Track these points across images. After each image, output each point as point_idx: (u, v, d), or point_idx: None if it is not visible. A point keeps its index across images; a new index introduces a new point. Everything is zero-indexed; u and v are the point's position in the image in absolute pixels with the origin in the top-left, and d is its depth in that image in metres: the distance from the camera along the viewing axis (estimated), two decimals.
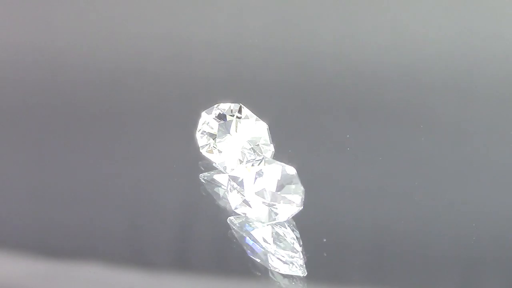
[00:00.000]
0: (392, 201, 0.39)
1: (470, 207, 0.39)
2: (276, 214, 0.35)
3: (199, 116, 0.39)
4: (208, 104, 0.39)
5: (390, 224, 0.38)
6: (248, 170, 0.35)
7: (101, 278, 0.35)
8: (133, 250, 0.37)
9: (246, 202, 0.35)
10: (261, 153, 0.38)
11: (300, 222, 0.37)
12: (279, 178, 0.35)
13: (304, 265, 0.35)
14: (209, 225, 0.38)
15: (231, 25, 0.51)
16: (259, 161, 0.35)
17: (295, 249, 0.35)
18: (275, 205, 0.35)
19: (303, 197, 0.35)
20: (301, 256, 0.35)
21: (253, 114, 0.39)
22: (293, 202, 0.35)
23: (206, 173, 0.40)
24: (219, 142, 0.38)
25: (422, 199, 0.39)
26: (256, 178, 0.35)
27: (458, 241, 0.38)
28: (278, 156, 0.38)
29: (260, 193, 0.35)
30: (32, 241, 0.37)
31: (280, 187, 0.35)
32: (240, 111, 0.38)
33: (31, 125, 0.43)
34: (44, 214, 0.38)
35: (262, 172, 0.35)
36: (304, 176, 0.35)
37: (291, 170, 0.35)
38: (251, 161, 0.36)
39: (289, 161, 0.36)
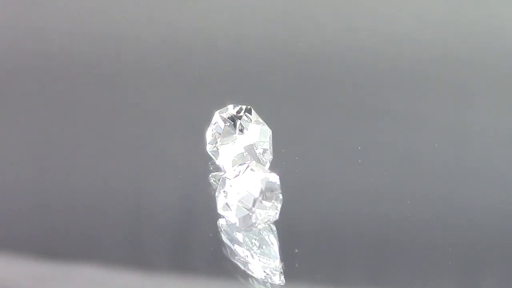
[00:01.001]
0: (384, 207, 0.39)
1: (466, 205, 0.39)
2: (255, 220, 0.35)
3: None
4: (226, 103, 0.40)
5: (381, 232, 0.38)
6: (234, 174, 0.35)
7: (104, 279, 0.36)
8: (133, 250, 0.37)
9: (227, 206, 0.35)
10: (258, 158, 0.38)
11: (286, 229, 0.37)
12: (261, 185, 0.35)
13: (282, 273, 0.35)
14: (201, 225, 0.38)
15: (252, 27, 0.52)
16: (246, 166, 0.36)
17: (275, 256, 0.36)
18: (254, 211, 0.35)
19: (280, 206, 0.35)
20: (280, 264, 0.35)
21: (260, 119, 0.39)
22: (272, 209, 0.35)
23: (216, 173, 0.40)
24: (222, 143, 0.39)
25: (420, 204, 0.39)
26: (239, 183, 0.35)
27: (455, 246, 0.37)
28: (278, 160, 0.39)
29: (241, 198, 0.35)
30: (31, 242, 0.37)
31: (261, 194, 0.35)
32: (248, 114, 0.39)
33: (31, 126, 0.44)
34: (45, 213, 0.39)
35: (245, 178, 0.35)
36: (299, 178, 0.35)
37: (274, 178, 0.35)
38: (240, 165, 0.36)
39: (287, 166, 0.36)
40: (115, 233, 0.38)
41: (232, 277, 0.35)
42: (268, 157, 0.38)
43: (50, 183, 0.40)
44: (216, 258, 0.36)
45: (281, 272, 0.35)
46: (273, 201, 0.35)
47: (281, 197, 0.35)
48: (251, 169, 0.35)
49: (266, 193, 0.35)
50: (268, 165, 0.39)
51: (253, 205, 0.35)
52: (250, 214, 0.35)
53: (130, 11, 0.53)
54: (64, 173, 0.40)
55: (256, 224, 0.35)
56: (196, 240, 0.37)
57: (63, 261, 0.36)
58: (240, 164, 0.36)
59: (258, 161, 0.38)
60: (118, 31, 0.52)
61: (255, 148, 0.38)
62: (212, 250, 0.36)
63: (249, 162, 0.36)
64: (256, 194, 0.35)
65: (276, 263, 0.35)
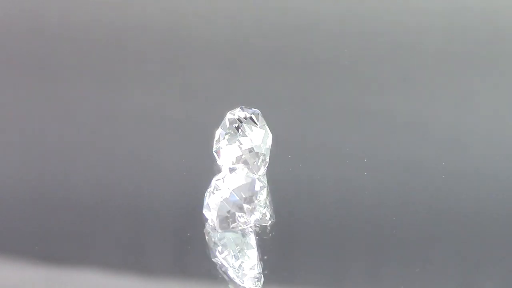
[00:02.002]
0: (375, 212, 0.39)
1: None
2: (233, 223, 0.35)
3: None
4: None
5: (371, 241, 0.37)
6: (221, 175, 0.36)
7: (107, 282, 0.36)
8: (132, 253, 0.37)
9: (207, 206, 0.35)
10: (255, 162, 0.38)
11: (283, 233, 0.37)
12: (245, 190, 0.35)
13: (259, 278, 0.35)
14: (193, 226, 0.38)
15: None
16: (233, 169, 0.36)
17: (252, 261, 0.36)
18: (233, 214, 0.35)
19: (264, 211, 0.35)
20: (257, 269, 0.35)
21: (265, 124, 0.39)
22: (253, 214, 0.35)
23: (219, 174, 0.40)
24: (224, 143, 0.39)
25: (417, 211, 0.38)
26: (222, 185, 0.35)
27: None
28: (279, 166, 0.39)
29: (221, 201, 0.35)
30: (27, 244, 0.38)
31: (243, 198, 0.35)
32: (254, 117, 0.39)
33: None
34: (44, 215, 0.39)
35: (229, 180, 0.35)
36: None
37: (260, 184, 0.35)
38: (229, 168, 0.36)
39: (289, 171, 0.36)
40: (116, 234, 0.38)
41: (208, 280, 0.36)
42: (265, 161, 0.38)
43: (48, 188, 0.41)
44: (199, 260, 0.36)
45: (256, 278, 0.35)
46: (253, 205, 0.35)
47: (267, 203, 0.35)
48: (235, 172, 0.36)
49: (247, 197, 0.35)
50: (262, 169, 0.39)
51: (232, 208, 0.35)
52: (228, 216, 0.35)
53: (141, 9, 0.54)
54: (66, 181, 0.41)
55: (234, 227, 0.35)
56: (182, 242, 0.37)
57: (59, 264, 0.37)
58: (230, 167, 0.36)
59: (254, 164, 0.38)
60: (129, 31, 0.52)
61: (253, 152, 0.38)
62: (191, 250, 0.37)
63: (238, 165, 0.36)
64: (235, 197, 0.35)
65: (253, 268, 0.35)
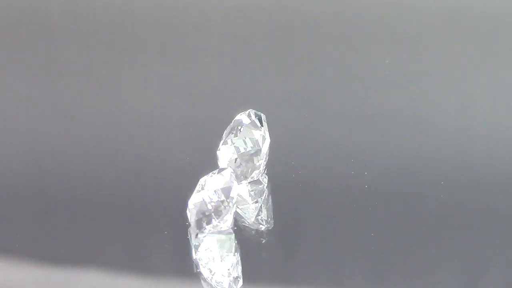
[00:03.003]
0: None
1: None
2: (206, 225, 0.36)
3: None
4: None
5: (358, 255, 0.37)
6: (207, 176, 0.36)
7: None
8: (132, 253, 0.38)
9: (187, 206, 0.36)
10: (248, 165, 0.38)
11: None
12: (220, 193, 0.35)
13: (235, 281, 0.35)
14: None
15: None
16: (220, 171, 0.36)
17: (230, 264, 0.36)
18: (211, 216, 0.35)
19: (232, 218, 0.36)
20: (235, 273, 0.35)
21: (266, 129, 0.39)
22: (222, 219, 0.35)
23: None
24: (223, 144, 0.39)
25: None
26: (202, 187, 0.36)
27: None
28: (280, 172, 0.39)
29: (202, 201, 0.36)
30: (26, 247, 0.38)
31: (220, 201, 0.35)
32: (256, 120, 0.39)
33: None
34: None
35: (211, 182, 0.36)
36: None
37: (236, 190, 0.36)
38: (218, 169, 0.36)
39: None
40: (115, 235, 0.39)
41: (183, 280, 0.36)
42: (258, 166, 0.39)
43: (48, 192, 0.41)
44: (179, 260, 0.37)
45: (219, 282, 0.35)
46: (227, 209, 0.35)
47: (235, 209, 0.36)
48: (221, 174, 0.36)
49: (223, 200, 0.35)
50: (256, 174, 0.39)
51: (207, 210, 0.35)
52: (202, 218, 0.35)
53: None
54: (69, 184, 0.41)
55: (210, 229, 0.36)
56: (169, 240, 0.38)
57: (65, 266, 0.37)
58: (220, 168, 0.37)
59: (247, 168, 0.38)
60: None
61: (247, 155, 0.38)
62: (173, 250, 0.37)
63: (227, 168, 0.36)
64: (211, 199, 0.35)
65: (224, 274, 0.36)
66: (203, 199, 0.35)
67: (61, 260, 0.37)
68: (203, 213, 0.35)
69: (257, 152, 0.38)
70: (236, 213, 0.37)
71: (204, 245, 0.36)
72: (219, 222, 0.36)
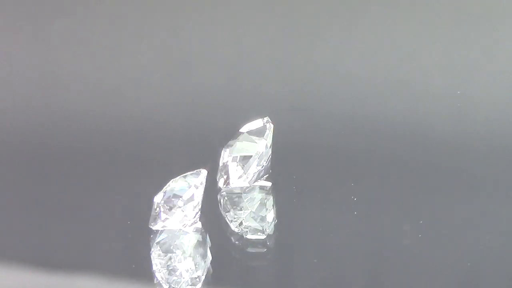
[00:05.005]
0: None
1: None
2: (158, 220, 0.36)
3: None
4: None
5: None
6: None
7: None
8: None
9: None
10: (237, 171, 0.38)
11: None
12: (177, 190, 0.36)
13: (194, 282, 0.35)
14: None
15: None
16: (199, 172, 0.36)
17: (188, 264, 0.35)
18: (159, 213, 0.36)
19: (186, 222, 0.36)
20: (195, 273, 0.35)
21: (270, 139, 0.39)
22: (172, 218, 0.36)
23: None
24: (227, 147, 0.39)
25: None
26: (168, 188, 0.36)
27: None
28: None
29: (166, 200, 0.36)
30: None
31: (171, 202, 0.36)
32: (261, 129, 0.39)
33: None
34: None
35: (172, 186, 0.36)
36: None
37: (199, 195, 0.36)
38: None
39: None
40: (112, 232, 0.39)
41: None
42: (247, 174, 0.38)
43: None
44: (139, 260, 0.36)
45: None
46: (174, 208, 0.36)
47: (185, 213, 0.36)
48: (195, 174, 0.36)
49: (173, 199, 0.36)
50: (243, 181, 0.38)
51: (161, 205, 0.36)
52: (155, 214, 0.36)
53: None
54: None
55: (158, 224, 0.36)
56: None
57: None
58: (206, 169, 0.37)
59: (235, 173, 0.38)
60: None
61: (235, 161, 0.38)
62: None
63: (200, 170, 0.37)
64: (169, 199, 0.36)
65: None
66: (163, 195, 0.36)
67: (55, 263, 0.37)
68: (158, 207, 0.36)
69: (251, 162, 0.38)
70: (224, 218, 0.37)
71: (164, 245, 0.36)
72: (168, 216, 0.36)
